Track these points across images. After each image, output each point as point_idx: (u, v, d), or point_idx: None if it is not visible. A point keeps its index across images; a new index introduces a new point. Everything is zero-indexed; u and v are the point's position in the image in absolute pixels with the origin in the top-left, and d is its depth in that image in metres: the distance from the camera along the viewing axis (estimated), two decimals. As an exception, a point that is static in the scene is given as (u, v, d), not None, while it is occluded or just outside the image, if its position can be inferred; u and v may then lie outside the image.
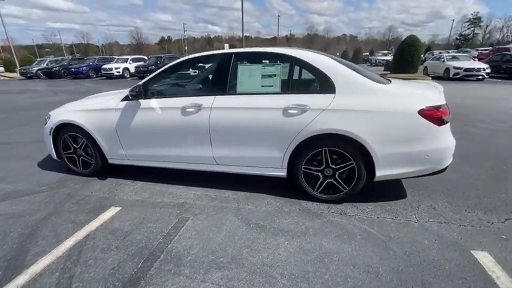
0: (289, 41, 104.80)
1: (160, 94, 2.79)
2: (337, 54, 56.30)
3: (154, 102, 2.71)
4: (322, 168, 2.44)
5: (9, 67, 27.37)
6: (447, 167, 2.37)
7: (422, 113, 2.14)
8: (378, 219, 2.28)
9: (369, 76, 2.56)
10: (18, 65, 24.48)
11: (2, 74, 25.74)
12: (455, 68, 12.89)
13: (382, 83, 2.40)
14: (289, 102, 2.35)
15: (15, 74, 23.67)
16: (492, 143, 4.11)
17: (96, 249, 2.00)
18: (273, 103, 2.39)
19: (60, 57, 26.09)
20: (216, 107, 2.52)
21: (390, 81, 2.76)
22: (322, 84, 2.35)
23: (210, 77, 2.70)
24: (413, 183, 2.86)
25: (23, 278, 1.74)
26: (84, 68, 19.24)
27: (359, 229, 2.15)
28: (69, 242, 2.08)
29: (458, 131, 4.71)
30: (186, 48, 41.96)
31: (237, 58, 2.57)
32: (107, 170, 3.22)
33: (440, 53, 21.83)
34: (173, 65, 2.77)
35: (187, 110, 2.58)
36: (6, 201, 2.74)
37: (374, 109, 2.21)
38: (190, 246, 2.00)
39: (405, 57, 15.25)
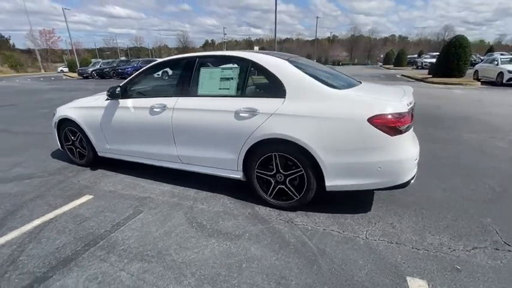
0: (331, 42, 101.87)
1: (135, 94, 3.02)
2: (381, 56, 52.88)
3: (129, 102, 2.94)
4: (273, 173, 2.39)
5: (72, 68, 31.55)
6: (409, 182, 2.14)
7: (372, 121, 1.98)
8: (323, 231, 2.15)
9: (332, 79, 2.45)
10: (78, 66, 28.09)
11: (66, 73, 29.79)
12: (510, 72, 11.20)
13: (339, 88, 2.27)
14: (242, 105, 2.35)
15: (75, 74, 27.16)
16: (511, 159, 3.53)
17: (53, 230, 2.26)
18: (227, 106, 2.42)
19: (111, 60, 29.13)
20: (178, 107, 2.64)
21: (360, 82, 2.62)
22: (275, 88, 2.31)
23: (177, 79, 2.83)
24: (387, 196, 2.63)
25: (-13, 247, 2.06)
26: (129, 69, 21.18)
27: (296, 239, 2.07)
28: (37, 222, 2.38)
29: (478, 144, 4.16)
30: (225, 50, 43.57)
31: (200, 61, 2.66)
32: (98, 161, 3.56)
33: (502, 54, 19.16)
34: (148, 67, 2.98)
35: (154, 109, 2.75)
36: (12, 182, 3.22)
37: (322, 115, 2.10)
38: (129, 237, 2.14)
39: (450, 60, 13.83)
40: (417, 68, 27.73)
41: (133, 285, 1.68)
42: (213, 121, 2.48)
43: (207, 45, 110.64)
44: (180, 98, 2.67)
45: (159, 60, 2.97)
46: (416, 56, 37.11)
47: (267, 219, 2.34)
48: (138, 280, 1.71)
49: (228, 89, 2.49)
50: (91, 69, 23.63)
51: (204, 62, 2.67)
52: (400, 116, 1.99)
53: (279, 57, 2.43)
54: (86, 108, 3.30)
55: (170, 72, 2.91)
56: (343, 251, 1.93)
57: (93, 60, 30.55)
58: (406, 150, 2.06)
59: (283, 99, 2.25)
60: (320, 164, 2.15)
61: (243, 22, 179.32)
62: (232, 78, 2.48)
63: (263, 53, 2.53)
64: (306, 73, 2.33)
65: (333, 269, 1.77)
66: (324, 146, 2.11)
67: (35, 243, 2.10)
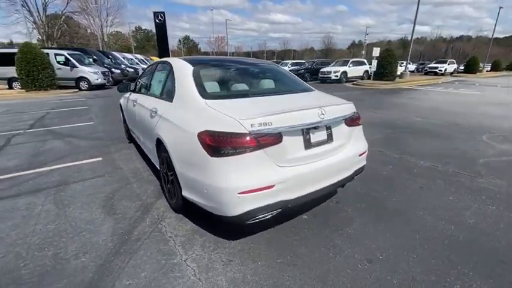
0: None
1: (137, 90, 3.87)
2: None
3: (132, 96, 3.85)
4: (165, 171, 2.54)
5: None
6: (243, 218, 1.73)
7: (198, 136, 1.78)
8: (166, 238, 2.15)
9: (249, 88, 2.44)
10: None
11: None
12: None
13: (222, 98, 2.11)
14: (153, 105, 2.65)
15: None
16: None
17: (58, 172, 3.47)
18: (149, 104, 2.78)
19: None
20: (138, 103, 3.25)
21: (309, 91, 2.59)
22: (173, 92, 2.43)
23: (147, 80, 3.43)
24: (291, 234, 2.14)
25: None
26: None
27: (138, 234, 2.20)
28: (61, 165, 3.71)
29: None
30: (363, 52, 40.16)
31: (156, 66, 3.13)
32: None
33: None
34: (144, 70, 3.76)
35: (134, 103, 3.50)
36: (86, 140, 4.95)
37: (178, 123, 2.10)
38: (74, 189, 2.98)
39: None
40: None
41: (34, 214, 2.48)
42: (145, 116, 2.91)
43: (353, 46, 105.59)
44: (143, 95, 3.27)
45: (150, 64, 3.70)
46: None
47: (151, 212, 2.55)
48: (40, 212, 2.50)
49: (159, 89, 2.83)
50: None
51: (157, 66, 3.12)
52: (224, 136, 1.66)
53: (187, 63, 2.50)
54: (125, 97, 4.55)
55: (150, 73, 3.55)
56: (150, 261, 1.90)
57: None
58: (226, 177, 1.68)
59: (171, 102, 2.36)
60: (175, 171, 2.13)
61: (406, 19, 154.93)
62: (161, 81, 2.80)
63: (181, 59, 2.66)
64: (206, 78, 2.32)
65: (119, 267, 1.83)
66: (176, 154, 2.09)
67: (43, 177, 3.35)
